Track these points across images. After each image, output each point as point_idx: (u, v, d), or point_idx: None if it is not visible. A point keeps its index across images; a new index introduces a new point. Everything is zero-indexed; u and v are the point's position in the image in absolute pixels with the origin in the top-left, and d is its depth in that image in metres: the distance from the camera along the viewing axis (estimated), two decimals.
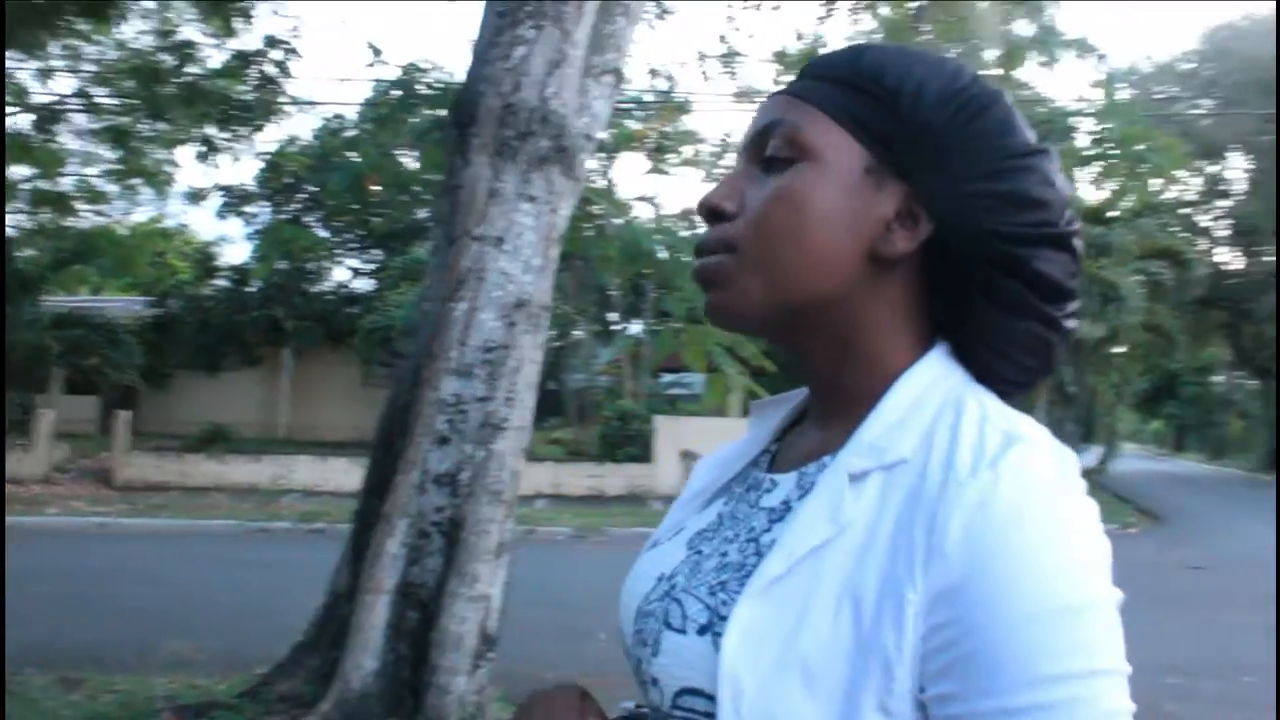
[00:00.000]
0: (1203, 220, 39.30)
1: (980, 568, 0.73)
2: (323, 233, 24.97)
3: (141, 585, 10.24)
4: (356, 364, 25.63)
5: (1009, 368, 0.88)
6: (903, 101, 0.85)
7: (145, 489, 17.96)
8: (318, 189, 21.80)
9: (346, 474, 18.70)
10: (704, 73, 16.15)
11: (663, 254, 12.33)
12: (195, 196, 22.55)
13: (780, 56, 16.16)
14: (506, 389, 5.11)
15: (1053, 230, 0.85)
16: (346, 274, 25.84)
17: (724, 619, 0.80)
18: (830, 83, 0.89)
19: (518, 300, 5.17)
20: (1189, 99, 33.22)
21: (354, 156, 23.29)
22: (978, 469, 0.77)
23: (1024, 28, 19.39)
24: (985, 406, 0.83)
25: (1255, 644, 9.02)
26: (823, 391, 0.93)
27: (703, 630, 0.82)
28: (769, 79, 16.97)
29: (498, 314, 5.12)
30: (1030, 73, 22.40)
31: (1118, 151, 14.60)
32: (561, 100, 5.29)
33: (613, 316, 24.82)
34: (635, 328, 25.51)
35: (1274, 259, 35.21)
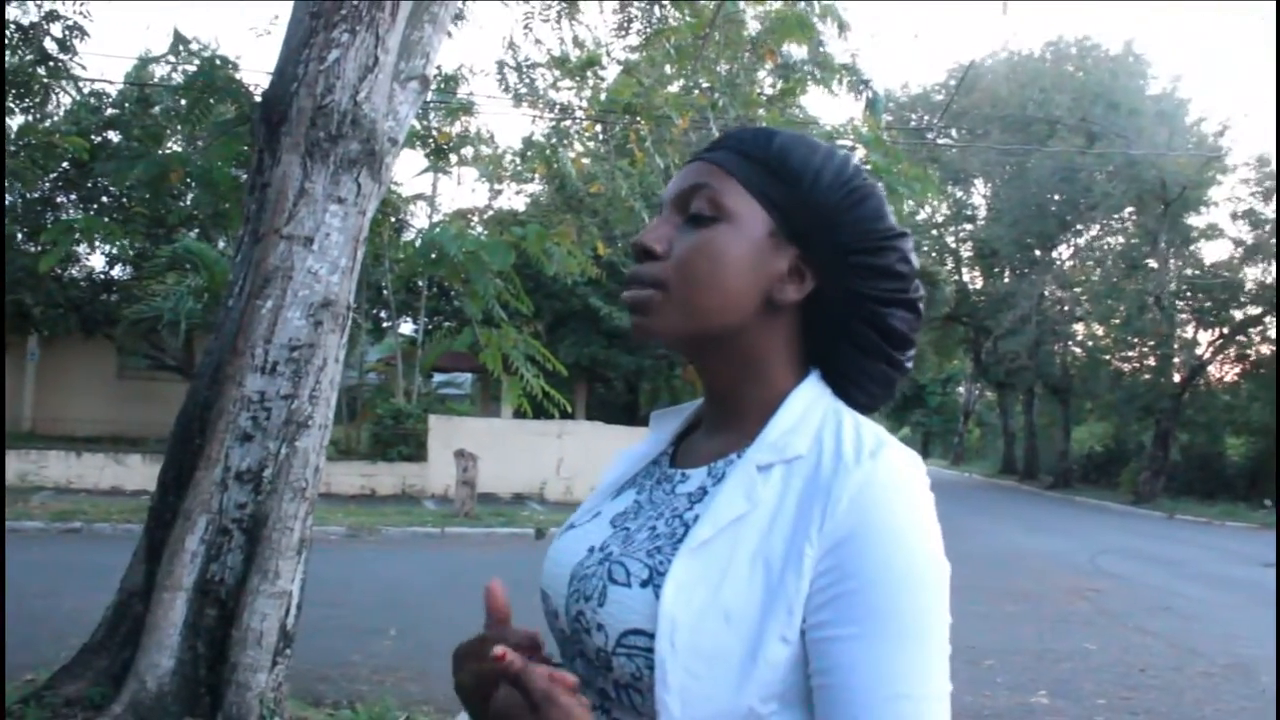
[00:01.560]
0: (950, 241, 42.04)
1: (861, 526, 0.98)
2: (76, 214, 23.58)
3: None
4: (112, 355, 24.37)
5: (861, 394, 1.16)
6: (803, 183, 1.10)
7: None
8: (99, 173, 20.63)
9: (102, 471, 17.86)
10: (501, 81, 16.14)
11: (460, 257, 12.37)
12: None
13: (560, 63, 16.37)
14: (311, 386, 5.15)
15: (906, 296, 1.13)
16: (102, 260, 24.49)
17: (663, 574, 1.02)
18: (745, 158, 1.12)
19: (324, 299, 5.22)
20: (940, 128, 35.41)
21: (114, 136, 22.17)
22: (860, 459, 1.02)
23: (800, 53, 20.27)
24: (856, 418, 1.10)
25: (992, 630, 9.90)
26: (721, 404, 1.18)
27: (644, 584, 1.03)
28: (549, 84, 17.17)
29: (304, 313, 5.15)
30: (805, 98, 23.45)
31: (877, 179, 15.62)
32: (372, 104, 5.37)
33: (384, 315, 24.52)
34: (407, 326, 25.29)
35: (1011, 280, 38.02)
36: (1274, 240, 28.81)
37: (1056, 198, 34.96)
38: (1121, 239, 36.25)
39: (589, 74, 15.77)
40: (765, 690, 0.98)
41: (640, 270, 1.13)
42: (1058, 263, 37.73)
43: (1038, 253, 37.15)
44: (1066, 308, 36.54)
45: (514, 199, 29.98)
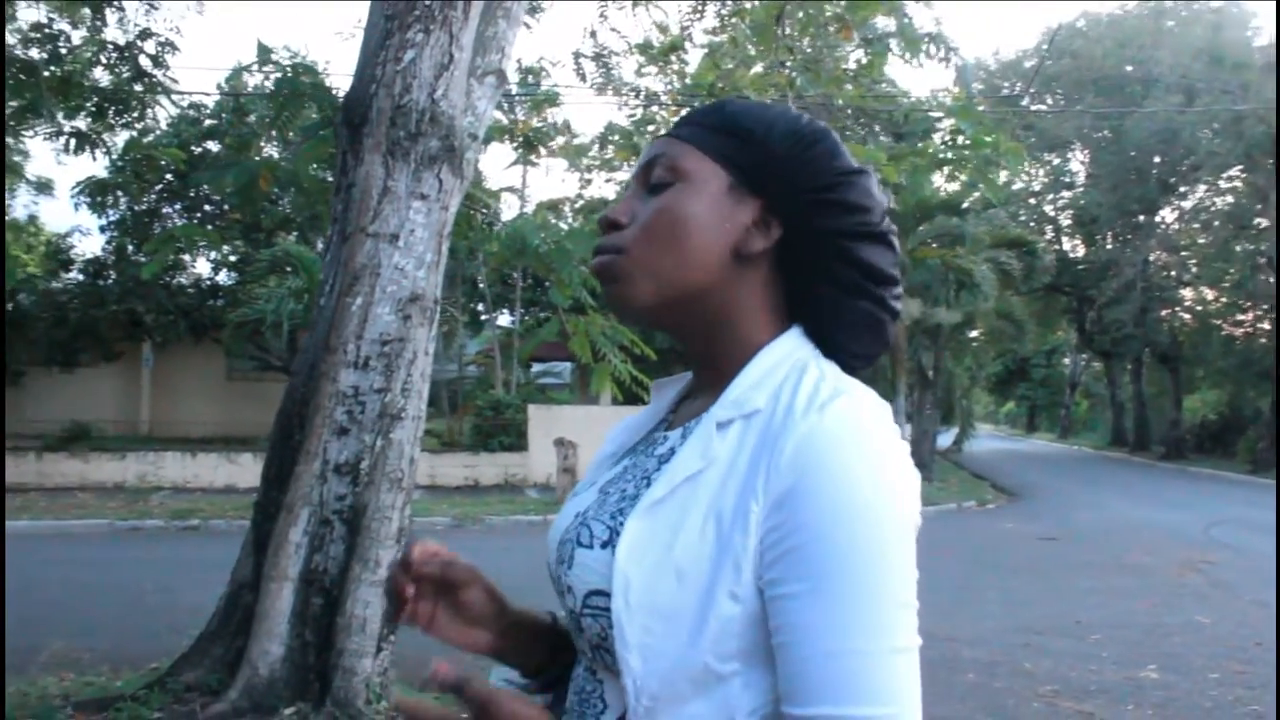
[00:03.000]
0: (1049, 210, 41.11)
1: (804, 480, 0.96)
2: (181, 223, 24.38)
3: (12, 589, 9.99)
4: (220, 358, 25.10)
5: (853, 343, 1.14)
6: (756, 137, 1.12)
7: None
8: (197, 183, 21.33)
9: (216, 470, 18.46)
10: (579, 72, 16.28)
11: (545, 248, 12.53)
12: (45, 187, 21.81)
13: (644, 49, 16.42)
14: (403, 380, 5.29)
15: (874, 228, 1.12)
16: (208, 267, 25.25)
17: (620, 535, 1.04)
18: (700, 127, 1.15)
19: (412, 294, 5.35)
20: (1034, 94, 34.64)
21: (213, 146, 22.83)
22: (809, 411, 1.00)
23: (884, 24, 20.03)
24: (823, 370, 1.07)
25: (1101, 605, 9.73)
26: (701, 367, 1.19)
27: (605, 545, 1.04)
28: (633, 72, 17.28)
29: (393, 308, 5.30)
30: (891, 69, 23.20)
31: (969, 153, 15.39)
32: (450, 101, 5.48)
33: (481, 307, 24.85)
34: (505, 319, 25.62)
35: (1113, 247, 37.08)
36: None
37: (1157, 160, 33.98)
38: (1229, 199, 35.07)
39: (673, 59, 15.81)
40: (720, 647, 0.98)
41: (605, 240, 1.15)
42: (1161, 226, 36.68)
43: (1140, 217, 36.16)
44: (1173, 273, 35.54)
45: (604, 187, 30.09)
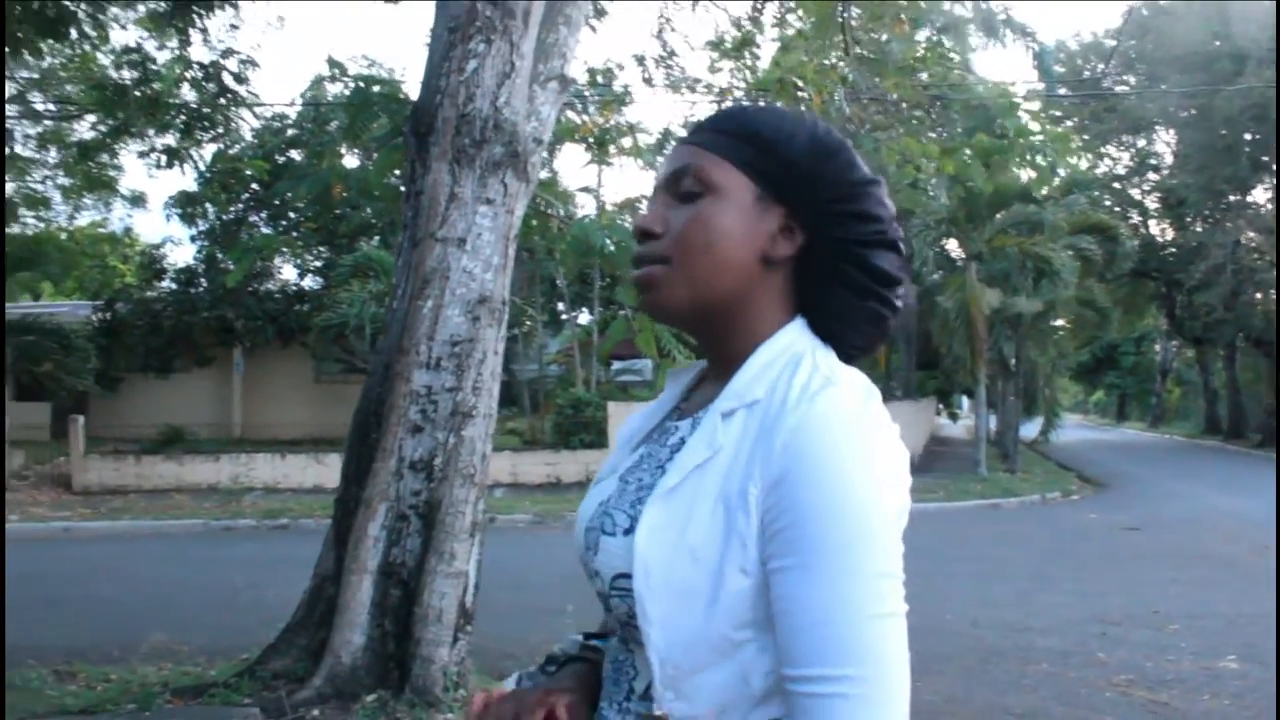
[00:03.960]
0: (1134, 194, 40.22)
1: (793, 465, 1.06)
2: (267, 231, 25.07)
3: (114, 585, 10.48)
4: (308, 361, 25.71)
5: (856, 336, 1.24)
6: (777, 147, 1.22)
7: (104, 492, 18.09)
8: (278, 193, 21.96)
9: (305, 471, 18.94)
10: (645, 76, 16.45)
11: (611, 248, 12.71)
12: (139, 200, 22.57)
13: (716, 45, 16.50)
14: (473, 379, 5.48)
15: (885, 237, 1.23)
16: (294, 272, 25.91)
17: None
18: (723, 135, 1.25)
19: (480, 296, 5.54)
20: (1115, 76, 33.98)
21: (295, 155, 23.44)
22: (800, 401, 1.10)
23: (960, 10, 19.85)
24: (818, 360, 1.17)
25: (1181, 596, 9.62)
26: (714, 358, 1.30)
27: (626, 532, 1.16)
28: (705, 69, 17.37)
29: (462, 310, 5.49)
30: (964, 53, 22.94)
31: (1022, 143, 15.38)
32: (512, 108, 5.66)
33: (561, 307, 25.10)
34: (584, 317, 25.85)
35: (1203, 229, 36.16)
36: None
37: (1249, 137, 33.06)
38: None
39: (745, 53, 15.87)
40: (734, 618, 1.10)
41: (643, 250, 1.25)
42: (1253, 207, 35.68)
43: (1231, 198, 35.20)
44: (1267, 255, 34.57)
45: None
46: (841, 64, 11.77)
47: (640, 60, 16.20)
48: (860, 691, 1.03)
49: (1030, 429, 30.80)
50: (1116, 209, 37.58)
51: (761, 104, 1.30)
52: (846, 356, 1.23)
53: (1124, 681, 6.83)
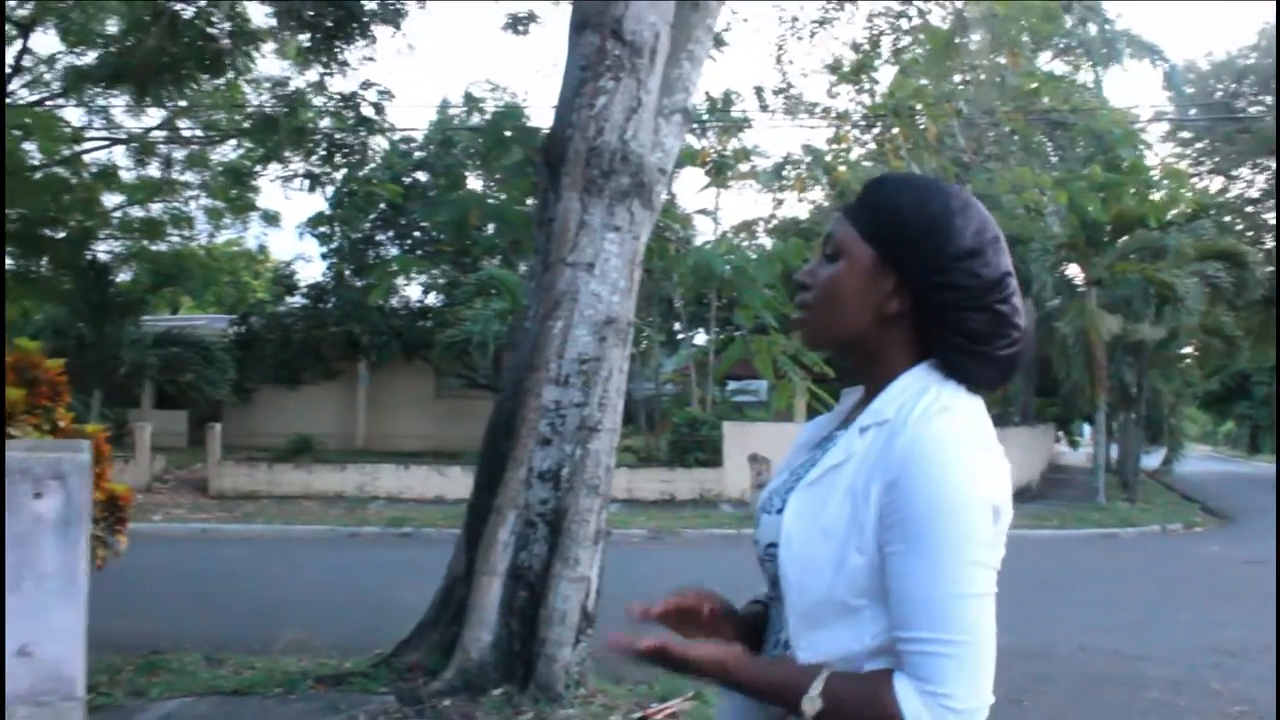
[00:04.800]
0: (1269, 218, 38.91)
1: (906, 471, 1.36)
2: (394, 250, 25.92)
3: (252, 583, 11.07)
4: (430, 376, 26.44)
5: (972, 375, 1.52)
6: (890, 220, 1.52)
7: (238, 497, 18.92)
8: (422, 216, 22.82)
9: (426, 482, 19.54)
10: (762, 104, 16.70)
11: (730, 273, 13.01)
12: (273, 219, 23.59)
13: (834, 69, 16.68)
14: (600, 395, 5.83)
15: (975, 303, 1.49)
16: (418, 290, 26.69)
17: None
18: (862, 206, 1.56)
19: (607, 318, 5.89)
20: (1250, 95, 33.08)
21: (422, 176, 24.24)
22: (918, 422, 1.40)
23: (1080, 30, 19.63)
24: (940, 392, 1.45)
25: None
26: (865, 386, 1.60)
27: (778, 511, 1.50)
28: (823, 91, 17.57)
29: (590, 330, 5.85)
30: (1088, 76, 22.65)
31: (1136, 176, 15.23)
32: (639, 141, 6.01)
33: (677, 327, 25.41)
34: (700, 337, 26.13)
35: None
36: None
37: None
38: None
39: (862, 78, 16.00)
40: (852, 588, 1.40)
41: (799, 298, 1.60)
42: None
43: None
44: None
45: (796, 207, 30.34)
46: (961, 87, 11.89)
47: (759, 92, 16.48)
48: (957, 653, 1.34)
49: (1153, 459, 30.09)
50: (1249, 234, 36.47)
51: (901, 174, 1.58)
52: (973, 389, 1.51)
53: (1236, 713, 6.82)
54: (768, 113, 16.96)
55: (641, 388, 24.65)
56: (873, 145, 17.89)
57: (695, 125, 18.10)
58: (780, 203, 26.30)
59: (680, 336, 25.82)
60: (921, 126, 10.14)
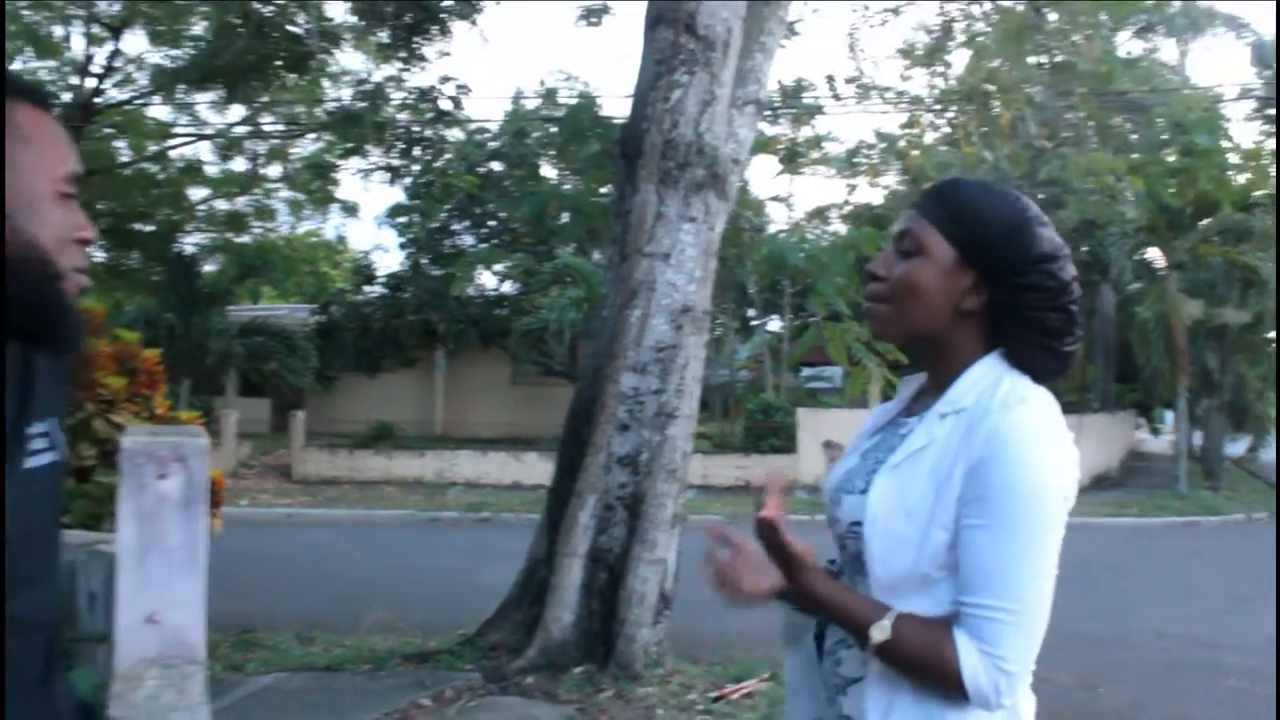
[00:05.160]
0: None
1: (990, 454, 1.48)
2: (469, 240, 26.26)
3: (337, 566, 11.41)
4: (507, 364, 26.75)
5: (1038, 367, 1.64)
6: (974, 223, 1.63)
7: (320, 482, 19.39)
8: (498, 208, 23.17)
9: (504, 468, 19.85)
10: (833, 93, 16.69)
11: (803, 261, 13.08)
12: (352, 210, 24.05)
13: (907, 53, 16.61)
14: (676, 382, 5.98)
15: (1052, 303, 1.61)
16: (494, 278, 26.99)
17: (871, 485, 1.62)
18: (939, 207, 1.66)
19: (683, 307, 6.03)
20: None
21: (497, 166, 24.53)
22: (998, 410, 1.51)
23: (1162, 7, 19.26)
24: (1013, 383, 1.57)
25: None
26: (932, 374, 1.72)
27: (862, 492, 1.60)
28: (897, 76, 17.49)
29: (667, 319, 5.99)
30: (1171, 54, 22.21)
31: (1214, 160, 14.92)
32: (713, 133, 6.13)
33: (751, 313, 25.43)
34: (774, 324, 26.13)
35: None
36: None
37: None
38: None
39: (936, 61, 15.92)
40: (934, 561, 1.53)
41: (870, 289, 1.71)
42: None
43: None
44: None
45: (869, 193, 30.18)
46: (1037, 70, 11.80)
47: (830, 81, 16.46)
48: (1015, 621, 1.47)
49: (1239, 446, 29.45)
50: None
51: (976, 180, 1.69)
52: (1036, 379, 1.63)
53: None
54: (839, 101, 16.93)
55: (716, 374, 24.72)
56: (947, 129, 17.78)
57: (769, 113, 18.13)
58: (854, 189, 26.16)
59: (755, 323, 25.83)
60: (994, 112, 10.11)
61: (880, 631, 1.51)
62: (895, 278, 1.65)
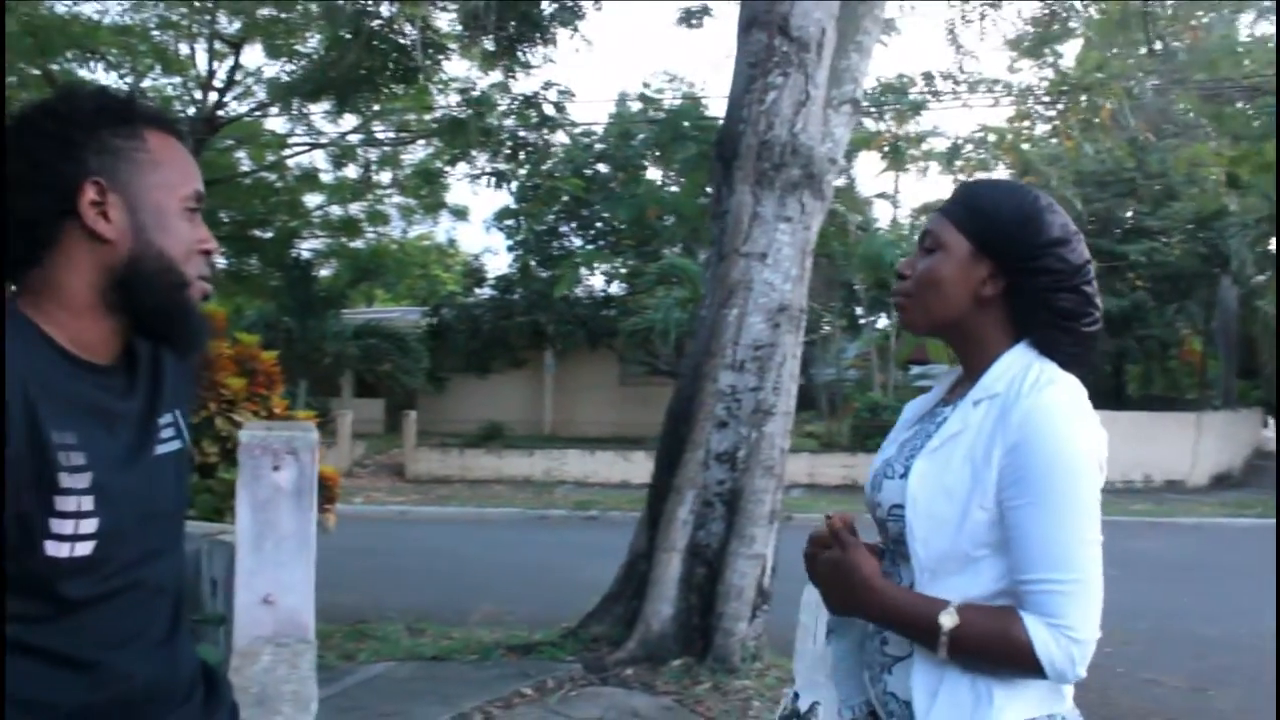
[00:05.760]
0: None
1: (1025, 435, 1.56)
2: (576, 241, 26.57)
3: (447, 562, 11.71)
4: (614, 364, 26.98)
5: (1062, 353, 1.71)
6: (988, 216, 1.72)
7: (433, 481, 19.86)
8: (594, 209, 23.48)
9: (612, 467, 20.07)
10: (933, 89, 16.50)
11: (899, 259, 12.99)
12: (461, 214, 24.53)
13: (1015, 44, 16.35)
14: (774, 380, 6.07)
15: (1066, 284, 1.69)
16: (601, 279, 27.24)
17: (910, 470, 1.70)
18: (958, 205, 1.77)
19: (780, 305, 6.11)
20: None
21: (603, 168, 24.77)
22: (1030, 393, 1.59)
23: None
24: (1042, 368, 1.65)
25: None
26: (966, 365, 1.81)
27: (902, 476, 1.69)
28: (1004, 69, 17.21)
29: (764, 318, 6.08)
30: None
31: None
32: (808, 133, 6.19)
33: (858, 311, 25.24)
34: (882, 321, 25.89)
35: None
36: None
37: None
38: None
39: (1044, 51, 15.64)
40: (974, 540, 1.61)
41: (898, 286, 1.82)
42: None
43: None
44: None
45: None
46: (1146, 57, 11.54)
47: (929, 78, 16.31)
48: (1075, 590, 1.55)
49: None
50: None
51: (992, 179, 1.81)
52: (1064, 365, 1.71)
53: None
54: (938, 98, 16.73)
55: (823, 373, 24.60)
56: (1058, 122, 17.46)
57: (872, 109, 18.00)
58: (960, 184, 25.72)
59: (862, 321, 25.63)
60: (1103, 103, 9.94)
61: (949, 617, 1.58)
62: (918, 273, 1.76)
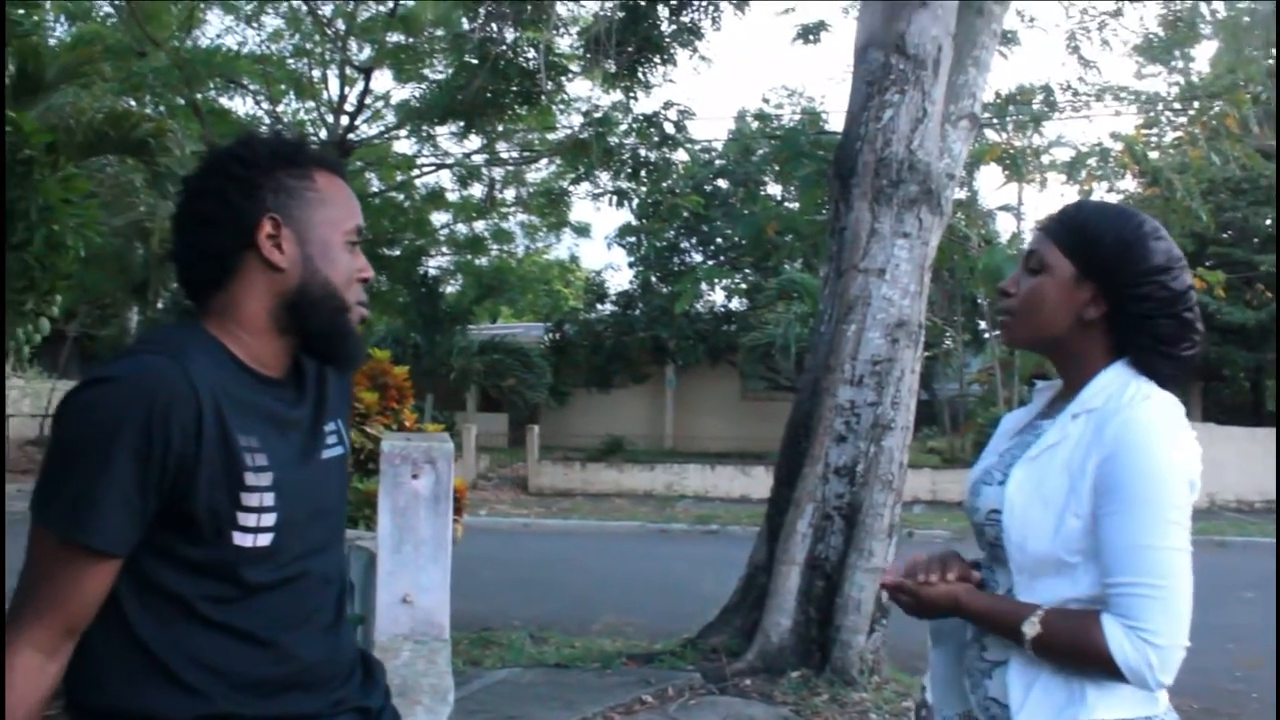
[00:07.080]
0: None
1: (1119, 447, 1.64)
2: (697, 257, 26.74)
3: (569, 573, 11.92)
4: (735, 379, 27.04)
5: (1161, 372, 1.77)
6: (1092, 242, 1.78)
7: (555, 494, 20.17)
8: (713, 225, 23.64)
9: (732, 482, 20.11)
10: (1050, 100, 16.23)
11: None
12: (583, 231, 24.90)
13: (1143, 49, 15.96)
14: (892, 395, 6.11)
15: (1167, 310, 1.75)
16: (722, 295, 27.35)
17: (1009, 478, 1.78)
18: (1062, 227, 1.83)
19: (898, 321, 6.15)
20: None
21: (723, 184, 24.90)
22: (1126, 407, 1.67)
23: None
24: (1139, 385, 1.72)
25: None
26: (1066, 380, 1.88)
27: (1000, 483, 1.78)
28: (1130, 74, 16.82)
29: (882, 333, 6.13)
30: None
31: None
32: (925, 150, 6.23)
33: (982, 325, 24.83)
34: None
35: None
36: None
37: None
38: None
39: (1176, 55, 15.25)
40: (1068, 546, 1.68)
41: (1000, 304, 1.90)
42: None
43: None
44: None
45: (1106, 198, 28.86)
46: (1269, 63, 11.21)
47: (1047, 91, 16.02)
48: (1158, 595, 1.62)
49: None
50: None
51: (1098, 202, 1.87)
52: (1161, 384, 1.77)
53: None
54: (1056, 110, 16.42)
55: (945, 388, 24.29)
56: (1192, 129, 17.00)
57: (994, 121, 17.77)
58: (1088, 193, 25.19)
59: (986, 336, 25.23)
60: (1229, 111, 9.69)
61: (1031, 626, 1.67)
62: (1022, 293, 1.83)
